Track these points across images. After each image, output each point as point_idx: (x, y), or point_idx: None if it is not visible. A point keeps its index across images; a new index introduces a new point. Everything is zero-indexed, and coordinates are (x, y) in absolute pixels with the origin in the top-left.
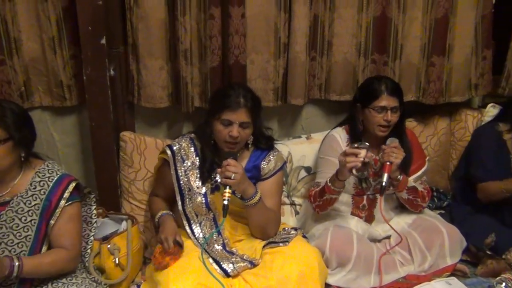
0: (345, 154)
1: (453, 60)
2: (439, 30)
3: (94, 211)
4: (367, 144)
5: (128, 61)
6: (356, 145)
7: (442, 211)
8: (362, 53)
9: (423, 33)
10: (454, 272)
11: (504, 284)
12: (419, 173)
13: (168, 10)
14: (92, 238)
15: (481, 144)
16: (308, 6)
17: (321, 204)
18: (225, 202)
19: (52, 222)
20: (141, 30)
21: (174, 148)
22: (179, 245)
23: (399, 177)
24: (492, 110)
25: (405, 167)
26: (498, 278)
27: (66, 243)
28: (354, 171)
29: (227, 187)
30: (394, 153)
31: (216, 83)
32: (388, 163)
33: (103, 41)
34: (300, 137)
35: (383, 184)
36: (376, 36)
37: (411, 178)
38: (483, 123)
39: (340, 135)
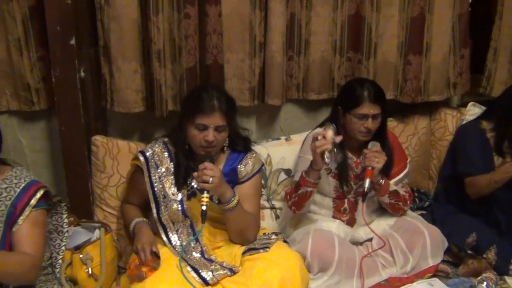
0: (313, 139)
1: (431, 58)
2: (416, 28)
3: (65, 220)
4: (333, 125)
5: (99, 63)
6: (322, 128)
7: (424, 212)
8: (338, 51)
9: (400, 31)
10: (436, 273)
11: (485, 283)
12: (401, 176)
13: (141, 10)
14: (63, 248)
15: (466, 141)
16: (285, 4)
17: (296, 200)
18: (204, 208)
19: (14, 229)
20: (113, 30)
21: (147, 154)
22: (157, 256)
23: (381, 181)
24: (473, 109)
25: (386, 171)
26: (479, 277)
27: (30, 249)
28: (326, 156)
29: (205, 192)
30: (375, 157)
31: (192, 85)
32: (369, 168)
33: (73, 41)
34: (279, 138)
35: (365, 189)
36: (351, 34)
37: (392, 181)
38: (464, 122)
39: None
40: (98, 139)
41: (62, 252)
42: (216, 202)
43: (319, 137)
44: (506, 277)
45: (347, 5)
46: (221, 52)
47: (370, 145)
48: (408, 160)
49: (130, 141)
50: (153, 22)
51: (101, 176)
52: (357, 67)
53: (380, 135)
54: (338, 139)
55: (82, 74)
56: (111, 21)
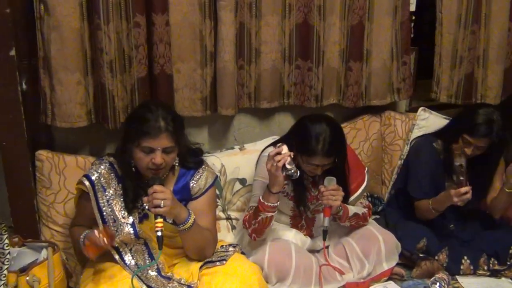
0: (269, 158)
1: (372, 65)
2: (356, 36)
3: (6, 241)
4: (284, 145)
5: (38, 75)
6: (275, 146)
7: (377, 216)
8: (287, 59)
9: (342, 38)
10: (391, 276)
11: (438, 284)
12: (359, 191)
13: (85, 19)
14: (5, 272)
15: (418, 163)
16: (234, 13)
17: (257, 226)
18: (159, 234)
19: None
20: (54, 41)
21: (93, 178)
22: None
23: (340, 213)
24: (423, 114)
25: (344, 198)
26: (432, 278)
27: None
28: (286, 169)
29: (158, 216)
30: (333, 195)
31: (144, 95)
32: (328, 206)
33: (13, 52)
34: (233, 148)
35: (325, 228)
36: (300, 42)
37: (352, 198)
38: (416, 131)
39: None
40: (42, 153)
41: (4, 276)
42: (171, 222)
43: (275, 155)
44: (457, 277)
45: (294, 14)
46: (169, 62)
47: (326, 181)
48: (366, 170)
49: (77, 155)
50: (104, 31)
51: (47, 192)
52: (307, 74)
53: (337, 173)
54: (292, 153)
55: (24, 86)
56: (51, 31)
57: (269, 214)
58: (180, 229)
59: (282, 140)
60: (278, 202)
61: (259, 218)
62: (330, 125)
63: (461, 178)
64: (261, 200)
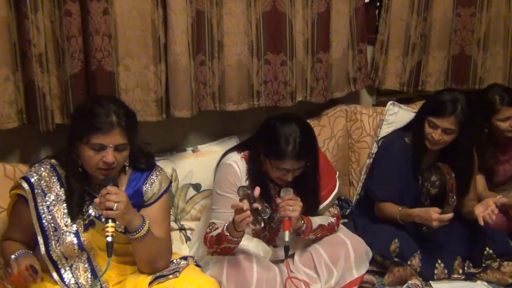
0: (237, 212)
1: (333, 55)
2: (322, 24)
3: None
4: (245, 188)
5: None
6: (238, 197)
7: (345, 220)
8: (255, 53)
9: (305, 28)
10: (361, 284)
11: None
12: (330, 199)
13: (12, 6)
14: None
15: (386, 161)
16: None
17: (219, 251)
18: (109, 239)
19: None
20: None
21: (32, 180)
22: (35, 271)
23: (302, 228)
24: (393, 108)
25: (314, 207)
26: (405, 285)
27: None
28: (251, 225)
29: (109, 220)
30: (290, 205)
31: (79, 94)
32: (286, 218)
33: None
34: (185, 150)
35: (286, 244)
36: (269, 33)
37: (321, 207)
38: (383, 124)
39: (239, 165)
40: None
41: None
42: (121, 231)
43: (237, 209)
44: (431, 282)
45: (261, 1)
46: (108, 56)
47: (282, 192)
48: (337, 174)
49: (6, 162)
50: (31, 21)
51: None
52: (280, 69)
53: (308, 180)
54: (257, 192)
55: None
56: None
57: (233, 245)
58: (133, 237)
59: (246, 143)
60: (244, 235)
61: (222, 246)
62: (300, 125)
63: (451, 201)
64: (225, 233)
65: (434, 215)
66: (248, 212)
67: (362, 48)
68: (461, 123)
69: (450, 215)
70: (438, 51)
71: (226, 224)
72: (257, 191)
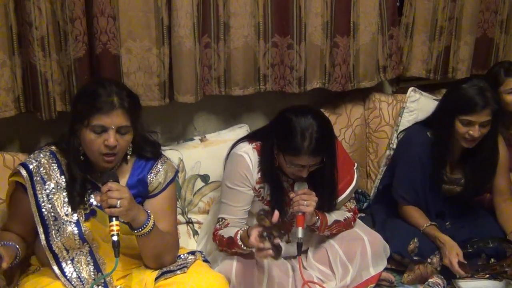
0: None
1: (359, 40)
2: (341, 6)
3: None
4: (262, 215)
5: None
6: (260, 237)
7: (362, 214)
8: (262, 35)
9: (324, 9)
10: (379, 282)
11: None
12: (347, 192)
13: None
14: None
15: (408, 156)
16: None
17: (229, 252)
18: (115, 239)
19: None
20: None
21: (31, 166)
22: None
23: (317, 224)
24: (414, 95)
25: (330, 202)
26: (425, 283)
27: None
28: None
29: (113, 218)
30: (304, 200)
31: (83, 79)
32: (300, 213)
33: None
34: (192, 139)
35: (299, 240)
36: (277, 14)
37: (338, 201)
38: (404, 111)
39: (250, 156)
40: None
41: None
42: (123, 221)
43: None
44: (457, 281)
45: None
46: (114, 39)
47: (296, 186)
48: (355, 166)
49: (4, 151)
50: (32, 1)
51: None
52: (287, 53)
53: (325, 176)
54: (275, 218)
55: None
56: None
57: (245, 253)
58: (138, 234)
59: (259, 133)
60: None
61: (233, 251)
62: (318, 119)
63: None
64: (238, 242)
65: (454, 258)
66: (270, 251)
67: (393, 33)
68: (495, 110)
69: (464, 274)
70: (470, 36)
71: (240, 233)
72: (275, 217)
